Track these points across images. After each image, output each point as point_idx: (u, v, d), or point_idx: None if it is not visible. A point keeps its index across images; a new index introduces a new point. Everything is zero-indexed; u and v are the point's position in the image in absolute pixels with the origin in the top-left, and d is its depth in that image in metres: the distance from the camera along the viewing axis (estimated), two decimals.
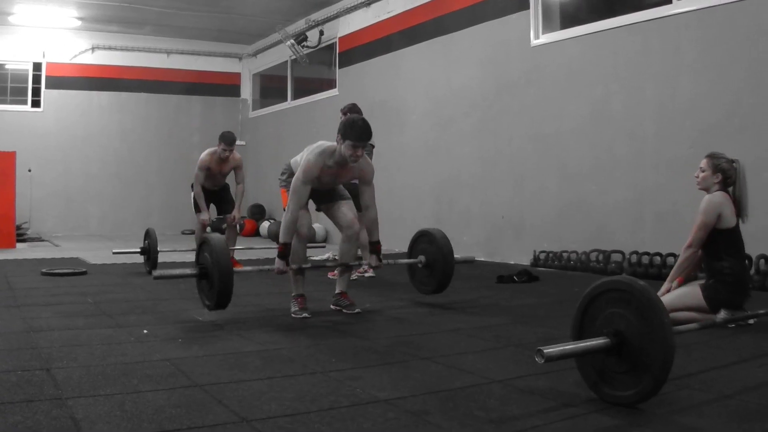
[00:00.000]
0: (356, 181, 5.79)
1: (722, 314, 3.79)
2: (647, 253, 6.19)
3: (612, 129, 6.76)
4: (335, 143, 4.18)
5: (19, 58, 12.49)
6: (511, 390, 2.63)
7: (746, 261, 4.31)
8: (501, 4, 7.99)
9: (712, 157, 4.01)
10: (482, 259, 8.04)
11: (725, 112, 5.73)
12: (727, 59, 5.74)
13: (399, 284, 5.99)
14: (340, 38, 11.14)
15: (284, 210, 4.30)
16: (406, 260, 5.07)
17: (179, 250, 7.35)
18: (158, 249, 6.53)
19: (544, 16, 7.60)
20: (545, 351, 2.25)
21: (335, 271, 4.79)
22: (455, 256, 4.92)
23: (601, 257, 6.57)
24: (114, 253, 7.09)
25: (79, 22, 12.15)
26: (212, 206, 7.14)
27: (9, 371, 2.79)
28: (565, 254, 7.00)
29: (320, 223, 10.78)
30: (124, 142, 13.28)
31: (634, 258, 6.27)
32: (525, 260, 7.46)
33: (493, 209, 8.06)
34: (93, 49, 12.87)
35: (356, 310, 4.42)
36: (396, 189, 9.21)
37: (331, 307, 4.54)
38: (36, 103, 12.69)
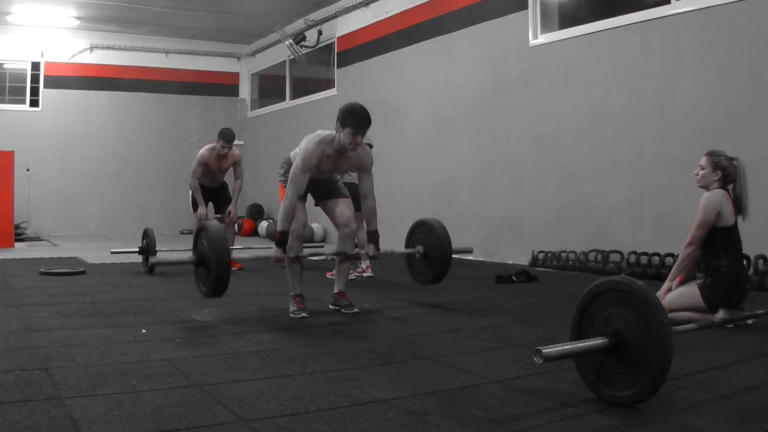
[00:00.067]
0: (356, 182, 5.81)
1: (721, 314, 3.80)
2: (646, 253, 6.19)
3: (611, 129, 6.76)
4: (334, 132, 4.18)
5: (17, 58, 12.48)
6: (510, 390, 2.63)
7: (744, 260, 4.31)
8: (499, 4, 7.99)
9: (711, 154, 4.01)
10: (481, 259, 8.05)
11: (725, 112, 5.74)
12: (726, 59, 5.74)
13: (398, 284, 5.99)
14: (338, 38, 11.13)
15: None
16: (403, 250, 5.04)
17: (177, 250, 7.34)
18: (156, 249, 6.53)
19: (542, 17, 7.60)
20: (544, 351, 2.25)
21: (334, 271, 4.79)
22: (453, 246, 4.89)
23: (599, 257, 6.58)
24: (112, 252, 7.09)
25: (78, 22, 12.13)
26: (210, 205, 7.14)
27: (7, 371, 2.78)
28: (563, 254, 7.00)
29: (319, 223, 10.78)
30: (123, 141, 13.26)
31: (632, 258, 6.27)
32: (523, 260, 7.46)
33: (492, 209, 8.06)
34: (91, 48, 12.85)
35: (355, 310, 4.42)
36: (395, 188, 9.21)
37: (330, 307, 4.53)
38: (34, 103, 12.67)
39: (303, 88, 12.69)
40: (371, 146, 5.87)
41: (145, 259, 6.62)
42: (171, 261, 4.22)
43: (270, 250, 8.28)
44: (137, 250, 6.72)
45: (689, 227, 4.00)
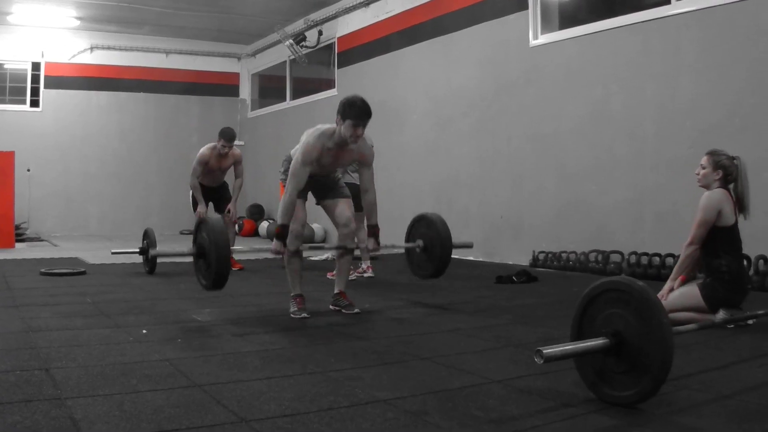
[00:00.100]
0: (356, 182, 5.80)
1: (721, 314, 3.80)
2: (646, 254, 6.19)
3: (612, 129, 6.76)
4: (334, 125, 4.18)
5: (17, 58, 12.48)
6: (510, 390, 2.63)
7: (744, 260, 4.31)
8: (500, 5, 7.99)
9: (712, 154, 4.01)
10: (481, 259, 8.05)
11: (726, 112, 5.73)
12: (727, 59, 5.74)
13: (398, 284, 6.00)
14: (338, 38, 11.13)
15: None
16: (403, 245, 5.03)
17: (178, 250, 7.33)
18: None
19: (542, 17, 7.60)
20: (544, 351, 2.25)
21: (334, 272, 4.79)
22: (453, 241, 4.88)
23: (600, 258, 6.57)
24: (113, 253, 7.07)
25: (78, 22, 12.13)
26: (210, 205, 7.14)
27: (8, 371, 2.78)
28: (564, 254, 7.00)
29: (319, 223, 10.78)
30: (123, 142, 13.27)
31: (633, 258, 6.27)
32: (524, 260, 7.45)
33: (492, 209, 8.06)
34: (92, 48, 12.85)
35: (355, 311, 4.41)
36: (395, 188, 9.20)
37: (330, 307, 4.53)
38: (35, 103, 12.67)
39: (303, 88, 12.69)
40: (371, 146, 5.86)
41: (146, 260, 6.62)
42: (171, 253, 4.22)
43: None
44: (138, 250, 6.71)
45: (689, 227, 4.00)
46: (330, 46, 11.46)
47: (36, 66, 12.61)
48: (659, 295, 3.91)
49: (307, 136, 4.24)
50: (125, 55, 13.13)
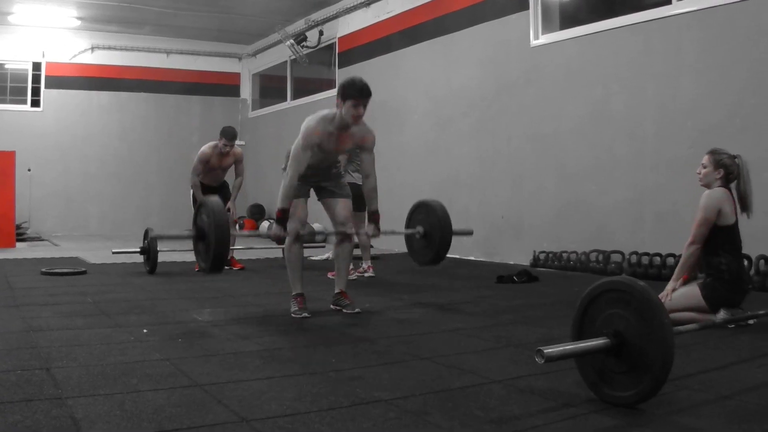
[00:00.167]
0: (357, 182, 5.80)
1: (722, 314, 3.80)
2: (647, 254, 6.18)
3: (612, 129, 6.76)
4: (335, 109, 4.18)
5: (18, 58, 12.49)
6: (511, 390, 2.63)
7: (744, 260, 4.31)
8: (500, 5, 7.99)
9: (713, 153, 4.01)
10: (482, 259, 8.05)
11: (726, 112, 5.73)
12: (728, 59, 5.74)
13: (399, 284, 6.00)
14: (339, 38, 11.14)
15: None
16: (403, 231, 5.02)
17: (179, 250, 7.34)
18: (158, 249, 6.54)
19: (543, 17, 7.60)
20: (545, 351, 2.25)
21: (335, 271, 4.79)
22: (453, 228, 4.87)
23: (600, 257, 6.57)
24: (113, 252, 7.09)
25: (79, 22, 12.14)
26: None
27: (8, 371, 2.79)
28: (564, 254, 7.00)
29: (320, 224, 10.77)
30: (124, 141, 13.28)
31: (633, 258, 6.27)
32: (524, 260, 7.45)
33: (492, 209, 8.06)
34: (92, 48, 12.87)
35: (356, 310, 4.41)
36: (396, 188, 9.20)
37: (331, 306, 4.53)
38: (35, 103, 12.68)
39: (304, 88, 12.69)
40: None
41: (147, 259, 6.62)
42: (171, 236, 4.21)
43: (271, 249, 8.31)
44: (138, 250, 6.72)
45: (689, 227, 4.00)
46: (331, 46, 11.47)
47: (37, 66, 12.63)
48: (662, 295, 3.91)
49: (308, 121, 4.25)
50: (126, 55, 13.15)
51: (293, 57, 12.11)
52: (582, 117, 7.04)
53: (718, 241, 3.90)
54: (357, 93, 4.08)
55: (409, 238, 5.05)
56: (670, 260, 5.85)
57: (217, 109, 14.01)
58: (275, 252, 8.15)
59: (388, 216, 4.79)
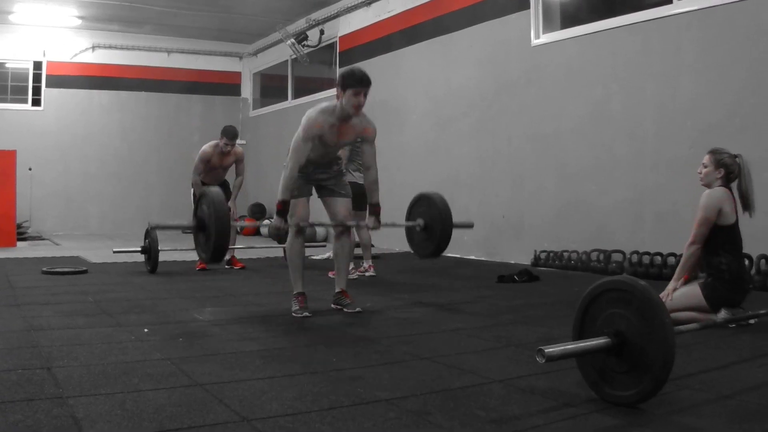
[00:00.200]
0: (357, 181, 5.80)
1: (723, 314, 3.80)
2: (648, 253, 6.18)
3: (612, 129, 6.76)
4: (335, 102, 4.19)
5: (19, 57, 12.49)
6: (511, 390, 2.63)
7: (744, 259, 4.30)
8: (501, 4, 7.99)
9: (714, 152, 4.01)
10: (483, 258, 8.05)
11: (726, 112, 5.73)
12: (727, 59, 5.74)
13: (400, 284, 6.00)
14: (340, 37, 11.14)
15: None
16: (404, 223, 5.02)
17: (180, 249, 7.35)
18: (159, 248, 6.54)
19: (544, 16, 7.60)
20: (546, 351, 2.25)
21: (335, 271, 4.79)
22: (454, 220, 4.86)
23: (601, 257, 6.57)
24: (114, 252, 7.09)
25: (80, 21, 12.15)
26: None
27: (9, 370, 2.79)
28: (565, 254, 7.00)
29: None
30: (125, 141, 13.28)
31: (634, 258, 6.27)
32: (525, 260, 7.45)
33: (492, 209, 8.06)
34: (93, 48, 12.87)
35: (357, 309, 4.41)
36: (395, 188, 9.18)
37: (332, 306, 4.53)
38: (36, 102, 12.68)
39: (305, 87, 12.69)
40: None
41: (148, 259, 6.63)
42: (171, 226, 4.23)
43: (271, 249, 8.31)
44: (139, 249, 6.72)
45: (690, 227, 4.00)
46: (331, 46, 11.47)
47: (38, 65, 12.63)
48: (662, 295, 3.91)
49: (308, 113, 4.26)
50: (127, 54, 13.15)
51: (294, 56, 12.11)
52: (582, 117, 7.04)
53: (719, 240, 3.90)
54: (357, 82, 4.09)
55: (409, 231, 5.04)
56: (671, 260, 5.85)
57: (218, 109, 14.01)
58: (276, 251, 8.16)
59: (388, 216, 4.78)
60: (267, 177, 12.56)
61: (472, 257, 8.17)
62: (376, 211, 4.47)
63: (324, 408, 2.38)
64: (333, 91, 11.28)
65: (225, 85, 14.18)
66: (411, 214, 5.02)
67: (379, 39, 10.13)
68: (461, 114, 8.60)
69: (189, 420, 2.22)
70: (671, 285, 4.05)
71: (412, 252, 5.16)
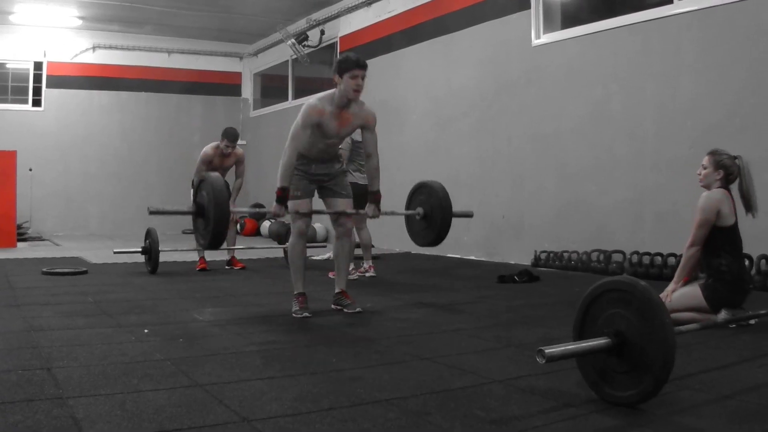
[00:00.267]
0: (358, 182, 5.80)
1: (723, 314, 3.80)
2: (648, 254, 6.18)
3: (612, 129, 6.76)
4: (333, 90, 4.22)
5: (20, 58, 12.49)
6: (511, 390, 2.63)
7: (745, 260, 4.30)
8: (501, 4, 7.98)
9: (713, 153, 4.01)
10: (483, 259, 8.05)
11: (726, 112, 5.73)
12: (727, 59, 5.74)
13: (400, 284, 6.00)
14: (341, 38, 11.14)
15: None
16: (403, 212, 5.01)
17: (180, 250, 7.35)
18: (159, 249, 6.54)
19: (544, 16, 7.59)
20: (546, 351, 2.25)
21: (335, 271, 4.79)
22: (453, 210, 4.86)
23: (602, 257, 6.57)
24: (115, 252, 7.09)
25: (80, 22, 12.15)
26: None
27: (9, 370, 2.79)
28: (566, 254, 6.99)
29: (321, 223, 10.79)
30: (125, 141, 13.28)
31: (635, 258, 6.26)
32: (525, 260, 7.45)
33: (492, 209, 8.05)
34: (94, 48, 12.87)
35: (357, 310, 4.41)
36: (395, 188, 9.14)
37: (332, 306, 4.53)
38: (37, 103, 12.69)
39: (305, 87, 12.69)
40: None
41: (148, 259, 6.63)
42: (171, 211, 4.23)
43: (272, 249, 8.30)
44: (140, 250, 6.72)
45: (690, 227, 4.00)
46: (332, 46, 11.47)
47: (38, 65, 12.63)
48: (661, 296, 3.91)
49: (307, 101, 4.29)
50: (127, 55, 13.15)
51: (294, 56, 12.11)
52: (582, 117, 7.03)
53: (718, 242, 3.90)
54: (354, 64, 4.14)
55: (409, 220, 5.03)
56: (671, 260, 5.84)
57: (219, 109, 14.02)
58: (276, 252, 8.16)
59: (387, 216, 4.79)
60: (267, 177, 12.53)
61: (472, 257, 8.17)
62: (376, 198, 4.48)
63: (324, 408, 2.38)
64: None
65: (225, 86, 14.19)
66: (411, 203, 5.01)
67: (380, 39, 10.13)
68: (461, 114, 8.60)
69: (189, 421, 2.22)
70: (670, 287, 4.05)
71: (412, 241, 5.14)
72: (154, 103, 13.52)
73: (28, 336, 3.55)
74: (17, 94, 12.59)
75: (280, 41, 12.27)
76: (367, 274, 6.46)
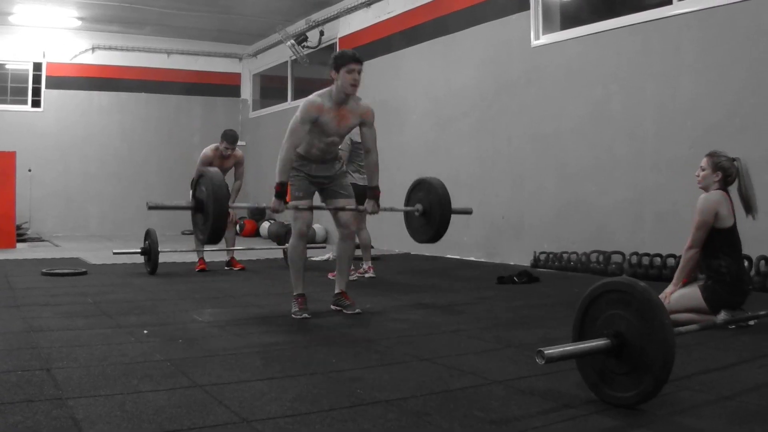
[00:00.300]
0: (357, 182, 5.80)
1: (722, 315, 3.80)
2: (648, 254, 6.18)
3: (612, 129, 6.76)
4: (330, 87, 4.24)
5: (19, 58, 12.49)
6: (511, 391, 2.63)
7: (744, 261, 4.30)
8: (501, 5, 7.99)
9: (712, 155, 4.01)
10: (482, 259, 8.04)
11: (726, 112, 5.73)
12: (727, 59, 5.74)
13: (399, 285, 6.00)
14: (340, 38, 11.14)
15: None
16: (402, 208, 5.01)
17: (180, 251, 7.35)
18: (159, 249, 6.54)
19: (544, 17, 7.60)
20: (546, 352, 2.25)
21: (335, 272, 4.80)
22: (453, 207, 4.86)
23: (601, 258, 6.57)
24: (114, 253, 7.09)
25: (80, 22, 12.15)
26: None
27: (9, 371, 2.79)
28: (565, 255, 6.99)
29: (320, 224, 10.79)
30: (124, 142, 13.28)
31: (634, 259, 6.26)
32: (525, 261, 7.45)
33: (492, 209, 8.05)
34: (93, 49, 12.87)
35: (356, 311, 4.41)
36: (395, 188, 9.14)
37: (332, 307, 4.53)
38: (36, 103, 12.69)
39: (305, 88, 12.67)
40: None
41: (148, 260, 6.63)
42: (169, 206, 4.23)
43: (272, 250, 8.30)
44: (139, 250, 6.72)
45: (689, 228, 4.00)
46: (331, 47, 11.45)
47: (37, 66, 12.63)
48: (660, 297, 3.90)
49: (305, 98, 4.32)
50: (127, 56, 13.15)
51: (294, 57, 12.11)
52: (582, 117, 7.04)
53: (717, 243, 3.90)
54: (350, 59, 4.17)
55: (407, 216, 5.03)
56: (671, 261, 5.85)
57: (218, 110, 14.02)
58: (276, 253, 8.16)
59: (387, 215, 4.78)
60: (267, 178, 12.51)
61: (472, 258, 8.17)
62: (375, 194, 4.48)
63: (324, 409, 2.38)
64: None
65: (225, 87, 14.19)
66: (410, 200, 5.01)
67: (379, 40, 10.13)
68: (461, 114, 8.60)
69: (189, 421, 2.22)
70: (669, 289, 4.05)
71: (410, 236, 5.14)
72: (154, 103, 13.52)
73: (27, 337, 3.54)
74: (16, 94, 12.59)
75: (280, 42, 12.27)
76: (367, 275, 6.46)
